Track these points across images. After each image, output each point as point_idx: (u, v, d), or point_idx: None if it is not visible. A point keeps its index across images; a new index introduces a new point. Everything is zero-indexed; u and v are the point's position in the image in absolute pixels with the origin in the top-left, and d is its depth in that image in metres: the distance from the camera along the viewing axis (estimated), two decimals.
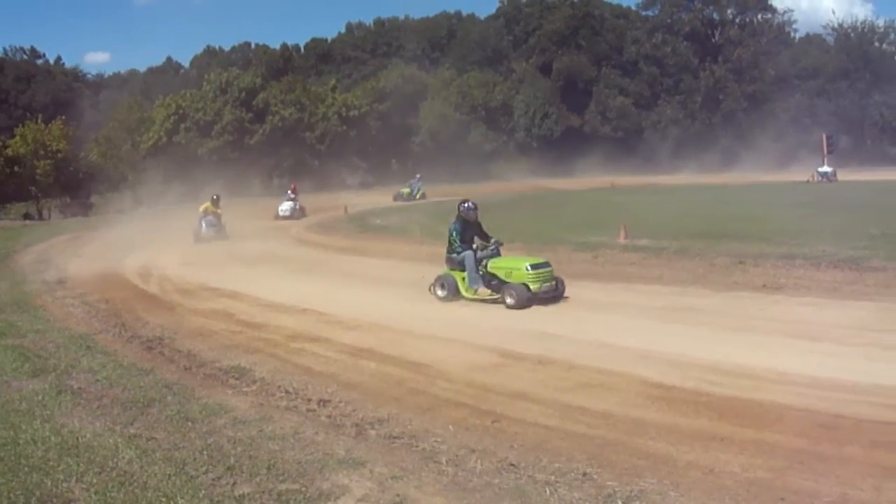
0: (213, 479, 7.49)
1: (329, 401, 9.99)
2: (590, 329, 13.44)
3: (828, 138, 71.49)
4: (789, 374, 10.37)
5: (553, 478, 7.38)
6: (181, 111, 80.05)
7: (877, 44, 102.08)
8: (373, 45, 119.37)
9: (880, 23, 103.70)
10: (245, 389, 10.75)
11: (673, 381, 10.27)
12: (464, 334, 13.67)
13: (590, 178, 74.49)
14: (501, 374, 11.12)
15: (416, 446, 8.35)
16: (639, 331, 13.08)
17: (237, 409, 9.73)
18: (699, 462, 7.72)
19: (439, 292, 17.16)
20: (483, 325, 14.46)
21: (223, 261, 25.79)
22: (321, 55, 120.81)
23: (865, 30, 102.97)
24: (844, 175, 64.46)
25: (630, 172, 79.03)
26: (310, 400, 10.07)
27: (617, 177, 72.50)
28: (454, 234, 17.37)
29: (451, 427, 8.87)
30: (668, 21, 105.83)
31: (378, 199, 57.12)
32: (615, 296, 16.34)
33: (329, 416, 9.42)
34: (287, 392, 10.49)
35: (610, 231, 24.74)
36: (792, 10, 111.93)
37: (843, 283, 16.82)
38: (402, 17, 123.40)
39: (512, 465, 7.71)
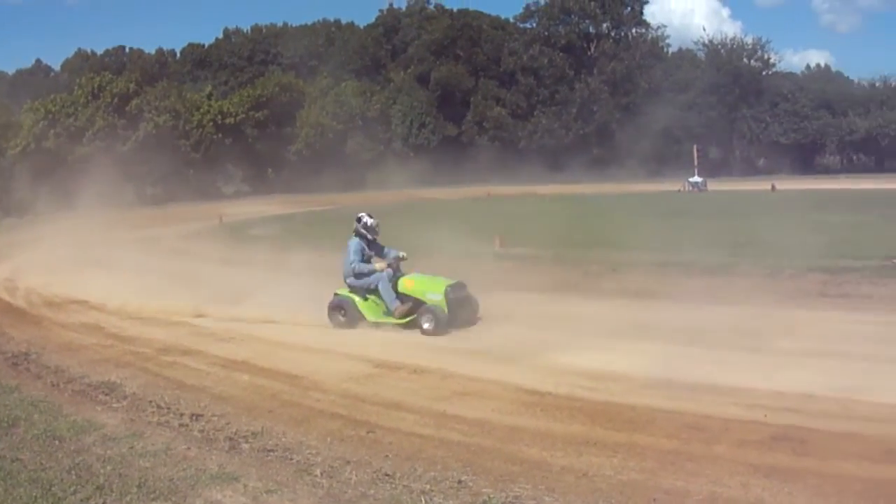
0: (82, 500, 7.29)
1: (202, 415, 9.83)
2: (464, 337, 13.59)
3: (698, 150, 73.64)
4: (660, 377, 10.67)
5: (428, 486, 7.42)
6: (51, 116, 77.62)
7: (745, 60, 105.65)
8: (250, 51, 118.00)
9: (748, 40, 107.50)
10: (115, 405, 10.46)
11: (547, 387, 10.46)
12: (338, 345, 13.66)
13: (466, 188, 74.93)
14: (376, 383, 11.15)
15: (291, 459, 8.29)
16: (513, 338, 13.29)
17: (107, 426, 9.47)
18: (573, 466, 7.87)
19: (340, 318, 15.54)
20: (357, 335, 14.46)
21: (94, 273, 25.08)
22: (197, 61, 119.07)
23: (735, 46, 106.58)
24: (714, 185, 66.33)
25: (506, 182, 79.74)
26: (182, 414, 9.88)
27: (493, 186, 73.13)
28: (349, 255, 15.59)
29: (325, 438, 8.84)
30: (546, 34, 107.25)
31: (255, 208, 56.58)
32: (490, 304, 16.39)
33: (202, 431, 9.26)
34: (159, 407, 10.26)
35: (485, 240, 24.92)
36: (665, 26, 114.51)
37: (713, 288, 17.34)
38: (280, 24, 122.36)
39: (387, 475, 7.73)
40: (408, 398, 10.30)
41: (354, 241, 15.73)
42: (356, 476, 7.73)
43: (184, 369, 12.41)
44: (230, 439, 8.94)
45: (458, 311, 14.80)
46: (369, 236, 15.87)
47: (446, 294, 14.67)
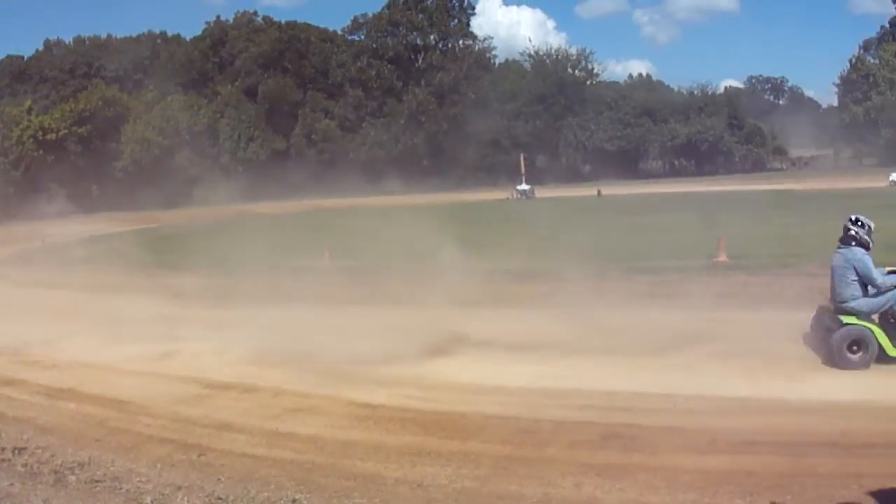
0: None
1: (25, 448, 9.44)
2: (298, 353, 13.44)
3: (525, 158, 75.01)
4: (491, 384, 10.97)
5: None
6: None
7: (570, 70, 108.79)
8: (72, 64, 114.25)
9: (573, 51, 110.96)
10: None
11: (379, 399, 10.56)
12: (167, 367, 13.32)
13: (295, 202, 74.49)
14: (206, 405, 11.00)
15: (120, 488, 8.10)
16: (345, 352, 13.15)
17: None
18: (407, 478, 8.00)
19: (851, 356, 11.32)
20: (186, 355, 14.16)
21: None
22: (16, 74, 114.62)
23: (560, 57, 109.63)
24: (542, 192, 67.62)
25: (336, 195, 79.56)
26: (3, 449, 9.44)
27: (323, 199, 72.81)
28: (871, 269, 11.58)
29: (155, 465, 8.68)
30: (374, 45, 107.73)
31: (79, 227, 54.77)
32: (318, 318, 16.28)
33: (25, 465, 8.92)
34: None
35: (315, 253, 24.75)
36: (492, 38, 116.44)
37: (541, 294, 17.90)
38: (104, 35, 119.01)
39: (220, 498, 7.67)
40: (239, 418, 10.21)
41: (859, 251, 11.75)
42: (188, 502, 7.65)
43: (5, 400, 11.86)
44: (56, 472, 8.65)
45: None
46: (871, 244, 11.95)
47: None
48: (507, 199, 65.41)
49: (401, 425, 9.58)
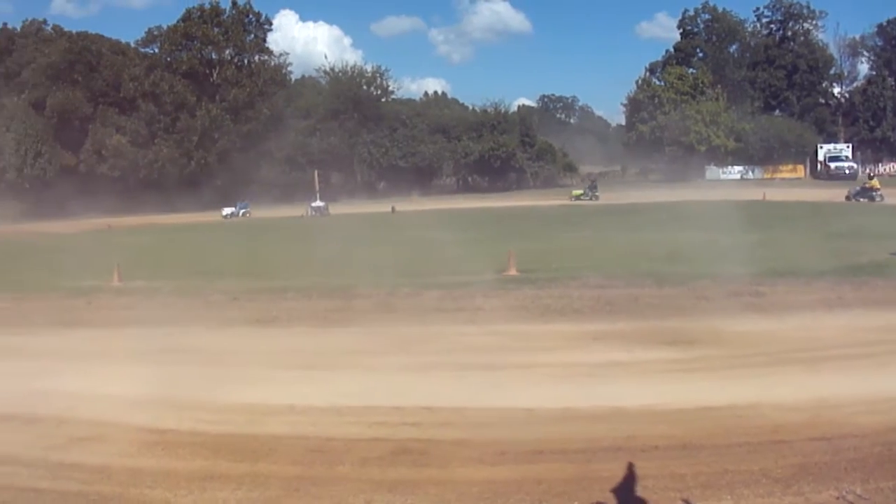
0: None
1: None
2: (82, 380, 12.92)
3: (319, 175, 75.08)
4: (282, 404, 10.81)
5: None
6: None
7: (364, 87, 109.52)
8: None
9: (368, 68, 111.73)
10: None
11: (168, 424, 10.25)
12: None
13: (87, 220, 72.06)
14: None
15: None
16: (134, 377, 12.67)
17: None
18: (197, 503, 7.88)
19: None
20: None
21: None
22: None
23: (355, 74, 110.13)
24: (337, 209, 67.66)
25: (128, 212, 77.50)
26: None
27: (115, 217, 70.79)
28: None
29: None
30: (168, 59, 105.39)
31: None
32: (108, 342, 15.76)
33: None
34: None
35: (104, 274, 24.00)
36: (288, 53, 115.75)
37: (332, 311, 17.82)
38: None
39: None
40: (20, 450, 9.64)
41: None
42: None
43: None
44: None
45: None
46: None
47: None
48: (302, 216, 65.26)
49: (191, 450, 9.34)
